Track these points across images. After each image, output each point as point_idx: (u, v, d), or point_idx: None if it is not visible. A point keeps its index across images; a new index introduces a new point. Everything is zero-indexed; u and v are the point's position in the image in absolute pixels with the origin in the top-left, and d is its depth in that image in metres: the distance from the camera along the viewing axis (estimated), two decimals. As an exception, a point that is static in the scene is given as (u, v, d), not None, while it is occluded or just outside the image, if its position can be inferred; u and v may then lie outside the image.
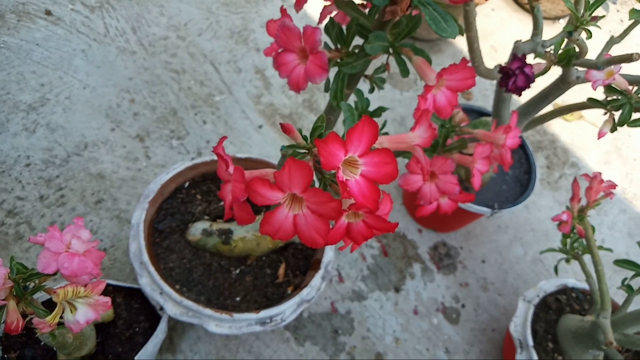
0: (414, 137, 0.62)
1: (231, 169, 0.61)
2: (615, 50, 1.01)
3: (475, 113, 1.54)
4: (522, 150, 1.51)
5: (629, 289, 1.21)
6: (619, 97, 1.01)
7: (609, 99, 1.02)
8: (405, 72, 0.76)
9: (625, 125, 1.02)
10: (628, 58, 0.87)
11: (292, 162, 0.50)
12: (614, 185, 1.08)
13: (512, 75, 0.95)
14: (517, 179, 1.47)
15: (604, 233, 1.82)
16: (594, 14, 0.84)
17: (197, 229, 1.15)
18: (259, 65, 1.83)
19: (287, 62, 0.76)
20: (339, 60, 0.82)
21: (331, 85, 0.84)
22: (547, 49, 0.98)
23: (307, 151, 0.60)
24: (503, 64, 1.03)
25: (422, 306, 1.51)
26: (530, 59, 1.06)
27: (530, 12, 0.99)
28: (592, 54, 0.94)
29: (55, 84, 1.60)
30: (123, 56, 1.71)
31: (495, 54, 2.18)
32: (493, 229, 1.71)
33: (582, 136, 2.03)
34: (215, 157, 1.25)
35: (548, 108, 1.72)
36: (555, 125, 2.04)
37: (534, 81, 0.95)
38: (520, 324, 1.32)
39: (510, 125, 0.86)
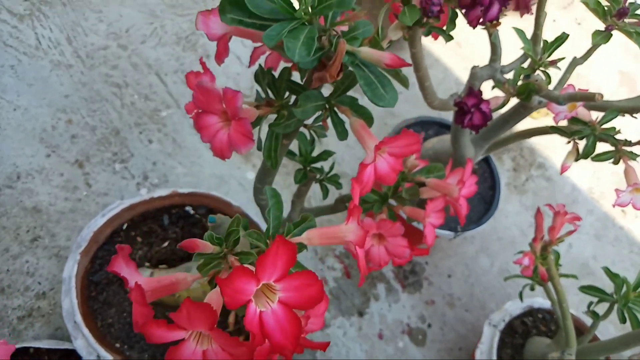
0: (347, 231, 0.53)
1: (132, 283, 0.51)
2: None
3: (436, 126, 1.46)
4: (486, 165, 1.45)
5: (594, 315, 1.17)
6: (583, 128, 0.95)
7: (572, 130, 0.95)
8: (342, 134, 0.67)
9: (590, 159, 0.96)
10: (591, 97, 0.79)
11: (189, 304, 0.42)
12: (578, 218, 1.02)
13: (468, 112, 0.87)
14: (481, 196, 1.41)
15: (572, 236, 1.78)
16: (555, 57, 0.76)
17: (136, 278, 1.06)
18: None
19: (209, 126, 0.66)
20: (279, 112, 0.73)
21: (264, 143, 0.74)
22: (505, 82, 0.90)
23: (221, 259, 0.52)
24: (459, 95, 0.95)
25: (387, 329, 1.46)
26: (489, 85, 0.98)
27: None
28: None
29: (-19, 107, 1.45)
30: (58, 71, 1.57)
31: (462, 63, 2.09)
32: (459, 240, 1.66)
33: (548, 135, 1.98)
34: (157, 194, 1.15)
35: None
36: (521, 124, 1.98)
37: (491, 118, 0.87)
38: (486, 351, 1.28)
39: (464, 176, 0.78)
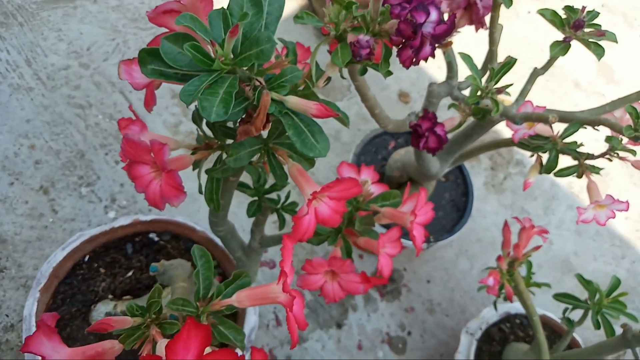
0: (279, 292, 0.51)
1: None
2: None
3: (407, 134, 1.44)
4: (458, 171, 1.43)
5: (568, 322, 1.16)
6: (544, 143, 0.92)
7: (534, 145, 0.93)
8: (281, 178, 0.64)
9: (553, 175, 0.94)
10: (545, 119, 0.77)
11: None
12: (545, 231, 1.01)
13: (423, 135, 0.85)
14: (453, 203, 1.39)
15: (552, 233, 1.78)
16: (503, 83, 0.73)
17: (99, 313, 1.04)
18: (175, 88, 1.67)
19: (141, 176, 0.63)
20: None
21: (205, 186, 0.72)
22: (460, 102, 0.87)
23: (146, 329, 0.49)
24: (416, 115, 0.92)
25: (367, 340, 1.45)
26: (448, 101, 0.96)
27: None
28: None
29: (-61, 137, 1.42)
30: (18, 95, 1.53)
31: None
32: (437, 244, 1.64)
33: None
34: (117, 224, 1.13)
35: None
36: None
37: (446, 141, 0.85)
38: (463, 361, 1.27)
39: (417, 206, 0.76)
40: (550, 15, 0.91)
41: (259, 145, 0.63)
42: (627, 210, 0.84)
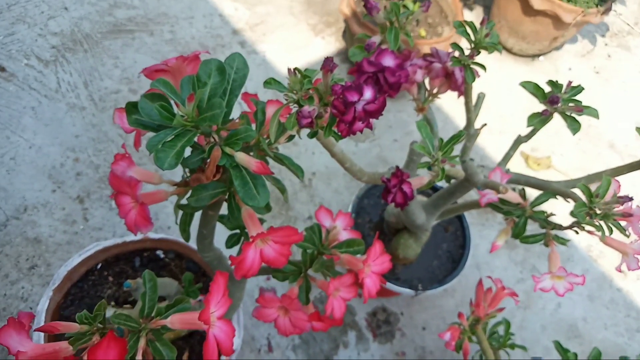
0: (200, 320, 0.60)
1: (14, 350, 0.60)
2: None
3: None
4: (458, 222, 1.46)
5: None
6: (514, 210, 0.96)
7: (505, 210, 0.97)
8: (237, 219, 0.74)
9: (519, 241, 0.97)
10: (496, 188, 0.82)
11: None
12: (515, 294, 1.03)
13: (391, 191, 0.92)
14: (450, 254, 1.42)
15: (562, 297, 1.74)
16: (450, 154, 0.80)
17: (101, 317, 1.16)
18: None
19: (123, 204, 0.75)
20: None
21: (179, 218, 0.83)
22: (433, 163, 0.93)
23: (90, 336, 0.60)
24: (393, 170, 0.99)
25: (354, 377, 1.49)
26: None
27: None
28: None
29: (2, 144, 1.63)
30: (72, 112, 1.73)
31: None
32: (439, 292, 1.66)
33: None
34: (129, 239, 1.26)
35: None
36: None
37: (412, 198, 0.91)
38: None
39: (369, 257, 0.82)
40: (532, 89, 0.97)
41: (222, 189, 0.73)
42: (582, 284, 0.86)
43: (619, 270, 0.90)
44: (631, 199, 0.77)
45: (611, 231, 0.80)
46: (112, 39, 1.93)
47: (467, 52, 0.88)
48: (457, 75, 0.90)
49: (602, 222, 0.80)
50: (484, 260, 1.75)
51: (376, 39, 0.87)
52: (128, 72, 1.86)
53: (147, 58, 1.90)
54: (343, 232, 0.96)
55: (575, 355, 1.12)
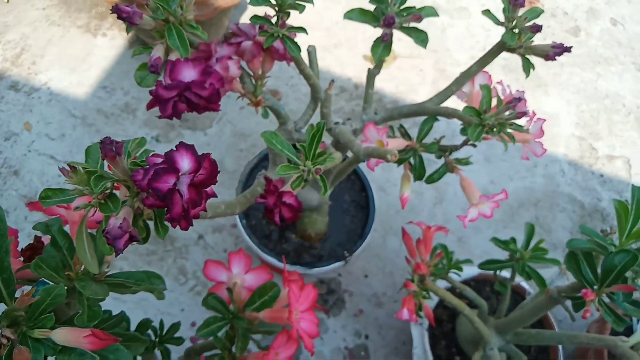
0: None
1: None
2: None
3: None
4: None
5: (501, 286, 1.14)
6: (405, 154, 0.85)
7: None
8: None
9: (425, 182, 0.87)
10: (383, 156, 0.69)
11: None
12: (442, 228, 0.95)
13: (274, 210, 0.75)
14: (356, 203, 1.32)
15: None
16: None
17: None
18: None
19: None
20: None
21: None
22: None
23: None
24: (262, 180, 0.82)
25: (329, 364, 1.40)
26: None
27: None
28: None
29: None
30: None
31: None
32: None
33: (405, 77, 1.89)
34: None
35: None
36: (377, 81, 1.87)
37: (300, 207, 0.75)
38: (421, 355, 1.24)
39: (291, 301, 0.67)
40: (359, 17, 0.81)
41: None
42: (506, 198, 0.79)
43: (526, 158, 0.84)
44: (519, 99, 0.68)
45: (512, 138, 0.72)
46: None
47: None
48: (277, 44, 0.72)
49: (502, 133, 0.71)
50: (384, 178, 1.68)
51: (158, 51, 0.64)
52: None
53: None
54: (246, 277, 0.79)
55: (514, 239, 1.10)
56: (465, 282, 1.34)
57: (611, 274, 0.82)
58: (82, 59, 1.71)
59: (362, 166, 1.37)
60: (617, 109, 1.91)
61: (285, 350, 0.71)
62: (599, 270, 0.86)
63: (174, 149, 0.44)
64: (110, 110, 1.63)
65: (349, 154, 0.96)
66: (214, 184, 0.45)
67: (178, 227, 0.45)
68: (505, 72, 1.93)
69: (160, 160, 0.43)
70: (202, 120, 1.69)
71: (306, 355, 1.40)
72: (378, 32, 0.81)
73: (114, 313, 0.79)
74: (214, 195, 0.48)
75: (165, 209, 0.45)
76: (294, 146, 0.66)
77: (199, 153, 0.44)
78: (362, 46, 1.93)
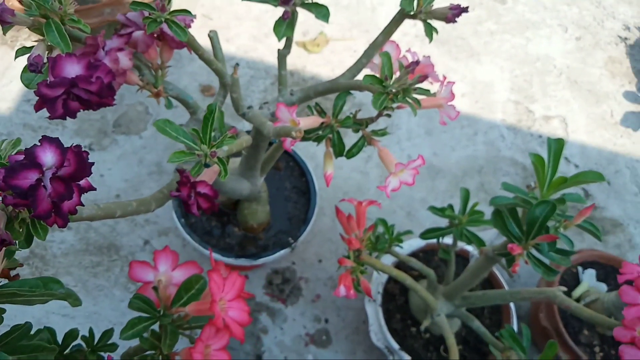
0: None
1: None
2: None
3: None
4: (286, 154, 1.34)
5: (445, 254, 1.16)
6: (320, 131, 0.84)
7: (312, 137, 0.85)
8: None
9: (345, 157, 0.86)
10: (289, 133, 0.68)
11: None
12: (373, 202, 0.95)
13: (189, 202, 0.73)
14: (297, 189, 1.31)
15: (405, 145, 1.76)
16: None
17: None
18: None
19: None
20: None
21: None
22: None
23: None
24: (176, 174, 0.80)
25: (291, 352, 1.40)
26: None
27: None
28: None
29: None
30: None
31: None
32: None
33: (339, 60, 1.89)
34: None
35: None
36: (313, 66, 1.87)
37: (216, 195, 0.74)
38: (378, 331, 1.25)
39: (214, 294, 0.65)
40: (258, -2, 0.80)
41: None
42: (423, 164, 0.79)
43: (443, 123, 0.85)
44: (417, 62, 0.68)
45: (418, 103, 0.72)
46: None
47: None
48: (167, 30, 0.69)
49: (407, 98, 0.71)
50: (321, 159, 1.68)
51: (39, 49, 0.61)
52: None
53: None
54: (174, 274, 0.77)
55: (451, 206, 1.12)
56: (414, 254, 1.35)
57: (534, 226, 0.84)
58: (2, 73, 1.64)
59: (301, 152, 1.37)
60: (548, 71, 1.96)
61: (217, 341, 0.69)
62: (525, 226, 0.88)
63: (37, 143, 0.42)
64: (38, 124, 1.57)
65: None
66: (87, 177, 0.44)
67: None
68: (437, 46, 1.95)
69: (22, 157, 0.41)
70: (135, 123, 1.65)
71: (270, 352, 1.39)
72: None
73: (64, 330, 0.76)
74: (92, 188, 0.46)
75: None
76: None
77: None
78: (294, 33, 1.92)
